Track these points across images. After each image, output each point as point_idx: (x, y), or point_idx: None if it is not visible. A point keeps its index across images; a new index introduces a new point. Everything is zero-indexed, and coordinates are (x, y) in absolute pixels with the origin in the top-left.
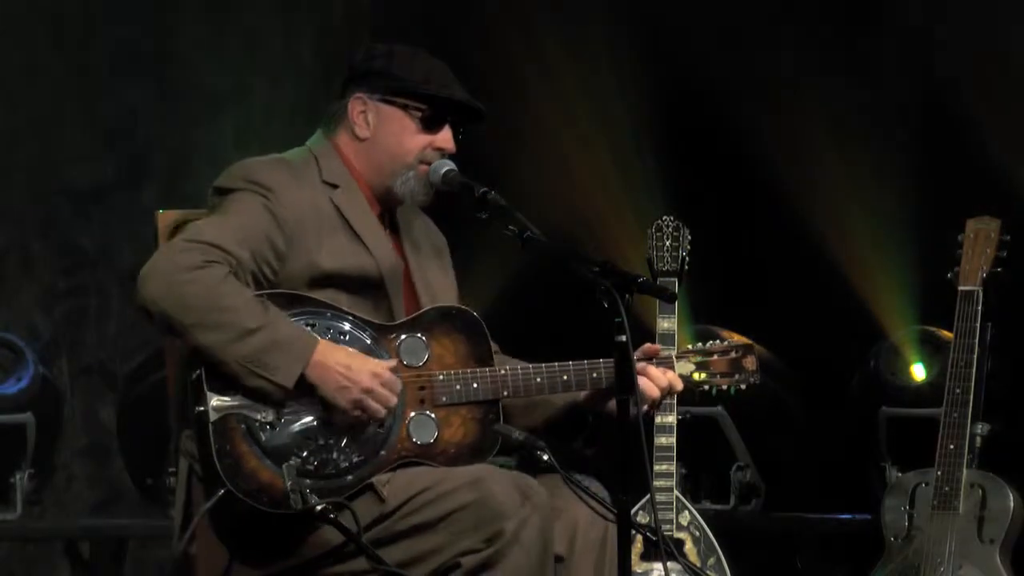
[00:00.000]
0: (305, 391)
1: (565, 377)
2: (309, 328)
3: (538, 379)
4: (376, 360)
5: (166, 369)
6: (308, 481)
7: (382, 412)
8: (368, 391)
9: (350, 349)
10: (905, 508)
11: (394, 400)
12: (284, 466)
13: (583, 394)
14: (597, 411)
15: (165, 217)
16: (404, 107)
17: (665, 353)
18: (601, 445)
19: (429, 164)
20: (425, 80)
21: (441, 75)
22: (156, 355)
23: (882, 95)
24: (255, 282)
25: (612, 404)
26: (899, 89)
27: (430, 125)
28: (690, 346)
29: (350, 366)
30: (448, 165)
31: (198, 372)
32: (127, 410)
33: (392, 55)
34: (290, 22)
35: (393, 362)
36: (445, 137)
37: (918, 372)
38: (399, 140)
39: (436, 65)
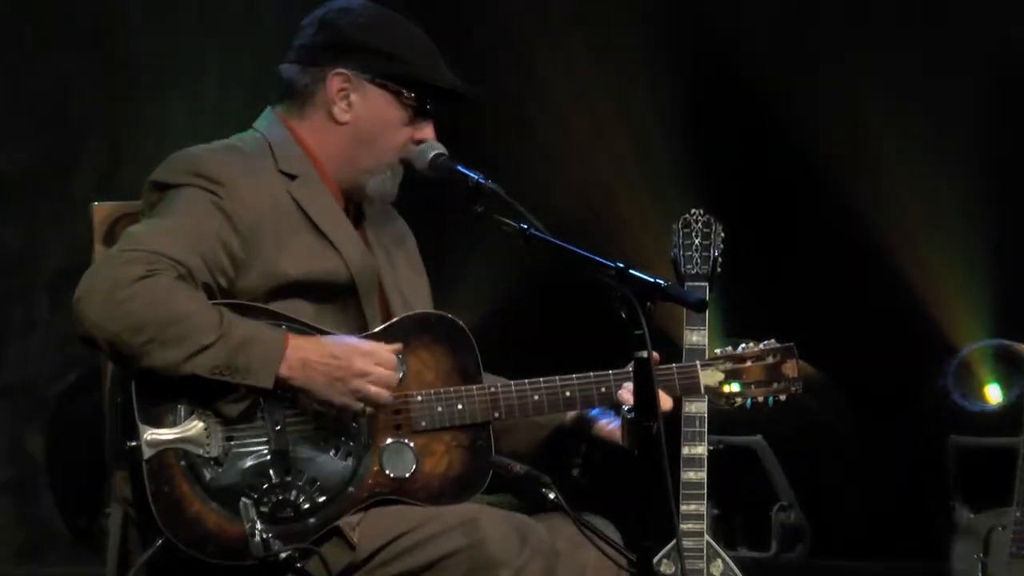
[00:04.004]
0: (284, 396)
1: (567, 393)
2: None
3: (535, 397)
4: (358, 339)
5: (103, 389)
6: (262, 526)
7: (385, 395)
8: (364, 374)
9: (322, 338)
10: (979, 555)
11: (396, 378)
12: (241, 503)
13: (571, 415)
14: (588, 435)
15: (101, 210)
16: (396, 93)
17: (688, 365)
18: (597, 473)
19: (410, 160)
20: (422, 63)
21: (431, 53)
22: (91, 373)
23: (952, 79)
24: (208, 294)
25: (605, 427)
26: (973, 73)
27: (417, 115)
28: (718, 351)
29: (334, 353)
30: (437, 148)
31: (125, 398)
32: (57, 438)
33: (382, 26)
34: None
35: (397, 345)
36: (430, 131)
37: (993, 394)
38: (384, 132)
39: (424, 40)
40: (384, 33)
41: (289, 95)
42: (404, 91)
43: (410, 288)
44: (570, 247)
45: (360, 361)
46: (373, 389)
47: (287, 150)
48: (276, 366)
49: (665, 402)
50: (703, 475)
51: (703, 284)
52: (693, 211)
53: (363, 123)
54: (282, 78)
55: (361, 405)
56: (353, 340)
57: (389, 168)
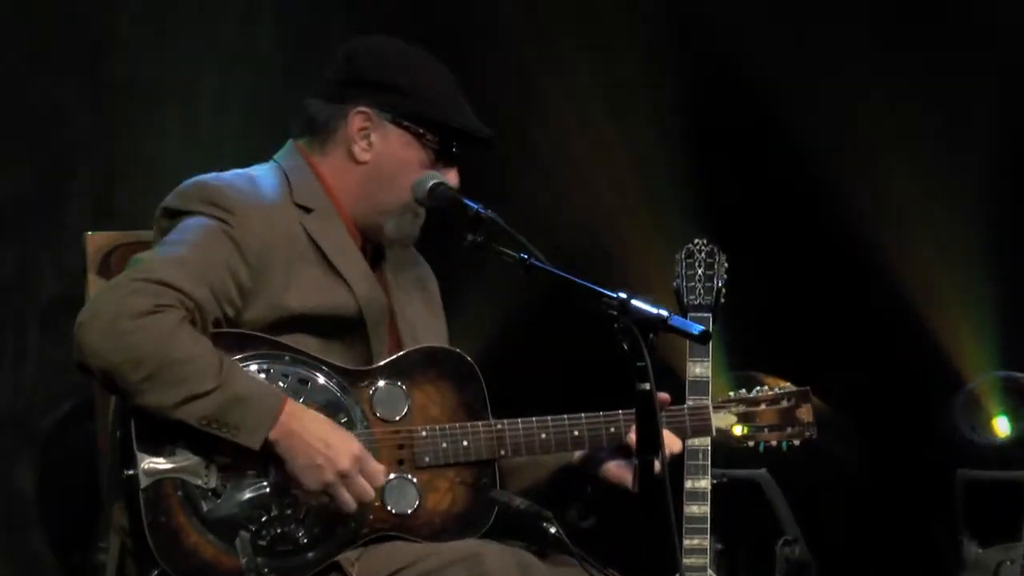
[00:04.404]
0: (267, 455)
1: (576, 432)
2: (263, 375)
3: (543, 435)
4: (358, 443)
5: (97, 421)
6: (259, 559)
7: (353, 506)
8: (344, 476)
9: (326, 419)
10: None
11: (371, 494)
12: (238, 538)
13: (578, 454)
14: (595, 475)
15: (95, 240)
16: (418, 135)
17: (699, 403)
18: (599, 509)
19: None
20: (442, 105)
21: (455, 95)
22: (85, 404)
23: (964, 106)
24: (215, 325)
25: (614, 468)
26: (984, 99)
27: (439, 158)
28: (732, 394)
29: (328, 442)
30: (437, 178)
31: (125, 429)
32: (49, 471)
33: (406, 65)
34: (246, 1)
35: (383, 468)
36: (452, 175)
37: (1002, 427)
38: (403, 172)
39: (448, 82)
40: (407, 72)
41: (310, 129)
42: (424, 132)
43: (424, 328)
44: (571, 277)
45: (347, 461)
46: (345, 494)
47: (304, 183)
48: (266, 431)
49: (674, 443)
50: (706, 509)
51: (706, 315)
52: (696, 241)
53: (382, 163)
54: (306, 111)
55: (328, 499)
56: (352, 438)
57: (409, 210)
